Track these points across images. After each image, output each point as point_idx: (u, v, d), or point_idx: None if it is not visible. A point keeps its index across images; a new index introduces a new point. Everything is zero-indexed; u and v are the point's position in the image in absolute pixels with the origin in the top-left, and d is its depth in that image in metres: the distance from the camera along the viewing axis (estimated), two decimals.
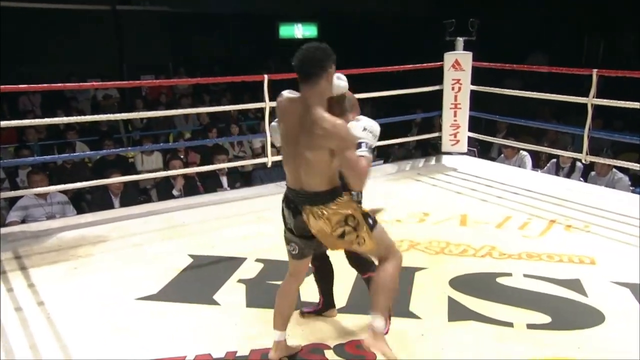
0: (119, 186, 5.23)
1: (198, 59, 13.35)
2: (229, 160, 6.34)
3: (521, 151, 6.25)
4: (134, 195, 5.64)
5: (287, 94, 2.38)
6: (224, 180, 5.99)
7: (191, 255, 3.76)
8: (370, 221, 2.35)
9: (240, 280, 3.41)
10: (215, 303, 3.15)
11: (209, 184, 5.87)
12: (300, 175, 2.29)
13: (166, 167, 6.22)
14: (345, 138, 2.15)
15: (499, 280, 3.37)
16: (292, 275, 2.54)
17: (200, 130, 8.18)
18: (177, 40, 13.21)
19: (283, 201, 2.43)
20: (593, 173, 5.58)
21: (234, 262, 3.64)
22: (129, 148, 7.00)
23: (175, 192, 5.54)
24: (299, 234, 2.39)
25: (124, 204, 5.15)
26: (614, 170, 5.38)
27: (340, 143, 2.14)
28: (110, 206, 5.10)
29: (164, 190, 5.69)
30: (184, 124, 9.22)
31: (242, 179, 6.44)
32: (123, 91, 11.01)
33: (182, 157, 6.49)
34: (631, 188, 5.45)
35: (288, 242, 2.46)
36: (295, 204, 2.36)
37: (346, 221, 2.28)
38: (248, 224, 4.36)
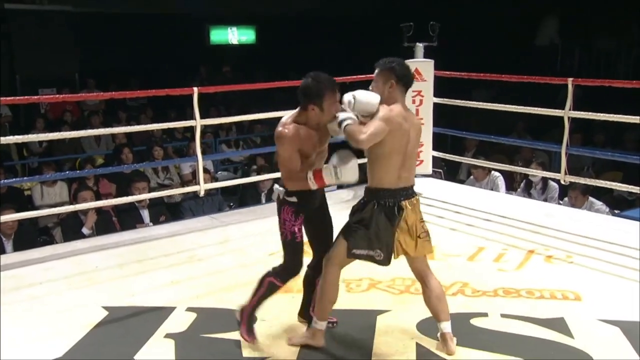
0: (12, 225, 5.10)
1: (111, 69, 13.15)
2: (152, 190, 6.25)
3: (493, 172, 6.48)
4: (32, 235, 5.50)
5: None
6: (145, 214, 5.90)
7: (106, 307, 3.67)
8: None
9: (168, 335, 3.34)
10: None
11: (126, 219, 5.78)
12: (411, 172, 3.05)
13: (73, 200, 6.06)
14: None
15: (474, 321, 3.45)
16: (340, 266, 3.11)
17: (115, 155, 8.02)
18: (85, 47, 12.97)
19: (386, 208, 2.94)
20: (566, 199, 5.84)
21: (160, 313, 3.57)
22: (25, 178, 6.78)
23: (85, 231, 5.43)
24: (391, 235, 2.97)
25: (18, 247, 5.02)
26: (590, 199, 5.64)
27: None
28: (1, 250, 4.95)
29: (70, 228, 5.56)
30: (95, 148, 9.04)
31: (169, 211, 6.36)
32: (16, 108, 10.69)
33: (92, 187, 6.35)
34: (616, 211, 5.74)
35: (373, 246, 2.98)
36: (395, 203, 2.95)
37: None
38: (177, 265, 4.31)
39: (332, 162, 2.96)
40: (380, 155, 2.95)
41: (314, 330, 3.16)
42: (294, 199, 3.04)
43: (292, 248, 3.10)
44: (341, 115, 2.91)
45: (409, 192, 3.02)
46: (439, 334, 3.16)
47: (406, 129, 2.95)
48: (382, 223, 2.96)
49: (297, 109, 3.03)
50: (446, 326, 3.13)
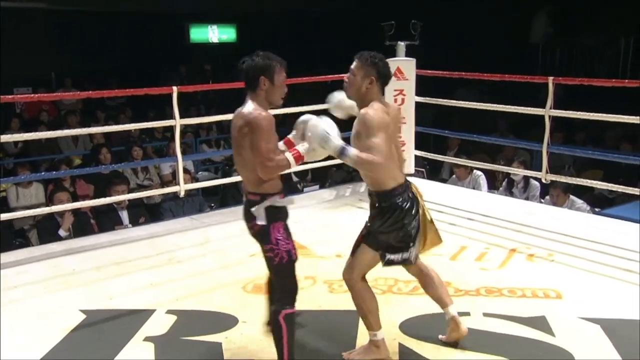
0: None
1: (89, 68, 13.04)
2: (131, 191, 6.21)
3: (475, 171, 6.54)
4: (7, 238, 5.45)
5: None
6: (124, 215, 5.87)
7: (83, 311, 3.65)
8: None
9: (147, 339, 3.33)
10: None
11: (105, 220, 5.75)
12: (401, 161, 3.10)
13: (49, 201, 6.01)
14: None
15: None
16: (363, 276, 3.07)
17: (93, 155, 7.96)
18: (61, 45, 12.86)
19: (407, 201, 2.94)
20: (547, 197, 5.91)
21: (139, 316, 3.56)
22: None
23: (62, 233, 5.39)
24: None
25: None
26: (571, 197, 5.72)
27: None
28: None
29: (47, 230, 5.51)
30: (72, 148, 8.96)
31: (148, 212, 6.33)
32: None
33: (69, 188, 6.30)
34: (596, 210, 5.82)
35: (406, 248, 2.97)
36: (411, 195, 2.97)
37: None
38: (156, 268, 4.29)
39: (303, 134, 2.84)
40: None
41: (376, 342, 3.08)
42: (280, 203, 2.82)
43: (290, 269, 2.86)
44: (336, 140, 2.79)
45: (408, 181, 3.04)
46: (448, 318, 3.17)
47: (390, 123, 2.94)
48: (409, 220, 2.95)
49: (247, 98, 2.81)
50: (453, 309, 3.18)
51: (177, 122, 4.96)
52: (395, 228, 2.94)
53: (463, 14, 12.69)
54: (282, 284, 2.88)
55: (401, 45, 5.92)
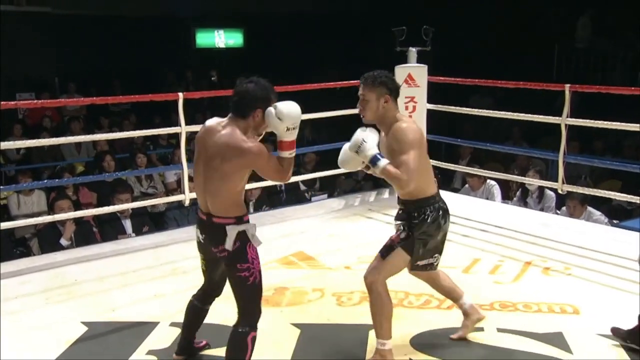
0: None
1: (93, 73, 13.10)
2: (135, 199, 6.21)
3: (489, 181, 6.49)
4: (8, 247, 5.44)
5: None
6: (128, 224, 5.86)
7: (85, 323, 3.64)
8: None
9: (150, 352, 3.32)
10: None
11: (108, 229, 5.74)
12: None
13: (51, 209, 6.01)
14: None
15: (469, 336, 3.44)
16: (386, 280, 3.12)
17: (96, 162, 7.98)
18: (66, 50, 12.93)
19: (441, 210, 3.09)
20: (564, 208, 5.85)
21: (142, 329, 3.55)
22: (0, 187, 6.73)
23: (63, 242, 5.38)
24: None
25: None
26: (588, 209, 5.66)
27: None
28: None
29: (48, 239, 5.51)
30: (75, 155, 8.98)
31: (152, 221, 6.33)
32: None
33: (72, 196, 6.30)
34: (614, 222, 5.76)
35: (433, 254, 3.13)
36: (443, 206, 3.12)
37: None
38: (160, 278, 4.28)
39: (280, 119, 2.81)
40: (420, 169, 3.01)
41: (383, 352, 3.11)
42: (251, 231, 2.82)
43: (260, 289, 2.87)
44: (370, 149, 2.96)
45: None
46: (466, 308, 3.36)
47: (423, 135, 3.12)
48: (441, 228, 3.11)
49: (226, 119, 2.83)
50: (467, 298, 3.38)
51: (183, 129, 4.96)
52: (427, 235, 3.07)
53: (469, 19, 12.71)
54: (252, 305, 2.87)
55: (412, 51, 5.90)
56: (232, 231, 2.78)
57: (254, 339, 2.84)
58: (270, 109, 2.79)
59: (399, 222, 3.15)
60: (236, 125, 2.78)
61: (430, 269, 3.22)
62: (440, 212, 3.10)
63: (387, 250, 3.15)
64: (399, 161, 2.92)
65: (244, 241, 2.81)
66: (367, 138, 2.98)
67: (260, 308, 2.89)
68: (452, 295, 3.41)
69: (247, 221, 2.85)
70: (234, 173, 2.76)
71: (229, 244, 2.78)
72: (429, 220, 3.05)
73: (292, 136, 2.84)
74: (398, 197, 3.19)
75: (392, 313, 3.12)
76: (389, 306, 3.11)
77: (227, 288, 2.94)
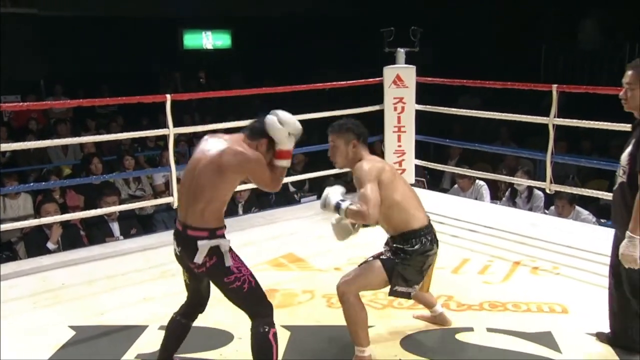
0: None
1: (79, 75, 13.04)
2: (122, 202, 6.18)
3: (478, 181, 6.53)
4: None
5: None
6: (115, 227, 5.84)
7: (73, 327, 3.63)
8: None
9: (139, 356, 3.31)
10: None
11: (95, 233, 5.72)
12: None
13: (37, 213, 5.98)
14: None
15: (459, 337, 3.47)
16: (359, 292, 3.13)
17: (83, 165, 7.94)
18: (52, 52, 12.86)
19: (433, 242, 3.13)
20: (552, 208, 5.89)
21: (131, 333, 3.54)
22: None
23: (50, 246, 5.34)
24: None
25: None
26: (576, 208, 5.70)
27: None
28: None
29: (35, 243, 5.45)
30: (62, 158, 8.92)
31: (140, 224, 6.31)
32: None
33: (58, 199, 6.27)
34: (602, 221, 5.80)
35: (412, 285, 3.12)
36: (432, 238, 3.15)
37: None
38: (149, 282, 4.27)
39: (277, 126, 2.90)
40: (393, 203, 3.09)
41: (363, 358, 3.11)
42: (225, 246, 2.77)
43: (260, 289, 2.85)
44: (333, 200, 3.07)
45: (431, 224, 3.21)
46: (437, 315, 3.53)
47: (384, 167, 3.13)
48: (425, 260, 3.12)
49: (238, 135, 2.91)
50: (439, 307, 3.57)
51: (171, 130, 4.95)
52: (407, 264, 3.08)
53: (463, 20, 12.77)
54: (259, 306, 2.84)
55: (401, 52, 5.93)
56: (203, 247, 2.74)
57: (275, 335, 2.81)
58: (271, 116, 2.88)
59: (386, 248, 3.20)
60: (243, 139, 2.89)
61: (406, 297, 3.23)
62: (428, 244, 3.12)
63: (366, 264, 3.19)
64: (360, 195, 3.00)
65: (220, 255, 2.76)
66: (331, 192, 3.11)
67: (267, 302, 2.86)
68: (427, 304, 3.53)
69: (222, 236, 2.79)
70: (228, 177, 2.77)
71: (198, 258, 2.74)
72: (416, 247, 3.08)
73: (291, 144, 2.91)
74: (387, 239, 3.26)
75: (366, 320, 3.13)
76: (362, 314, 3.11)
77: (216, 290, 2.93)
